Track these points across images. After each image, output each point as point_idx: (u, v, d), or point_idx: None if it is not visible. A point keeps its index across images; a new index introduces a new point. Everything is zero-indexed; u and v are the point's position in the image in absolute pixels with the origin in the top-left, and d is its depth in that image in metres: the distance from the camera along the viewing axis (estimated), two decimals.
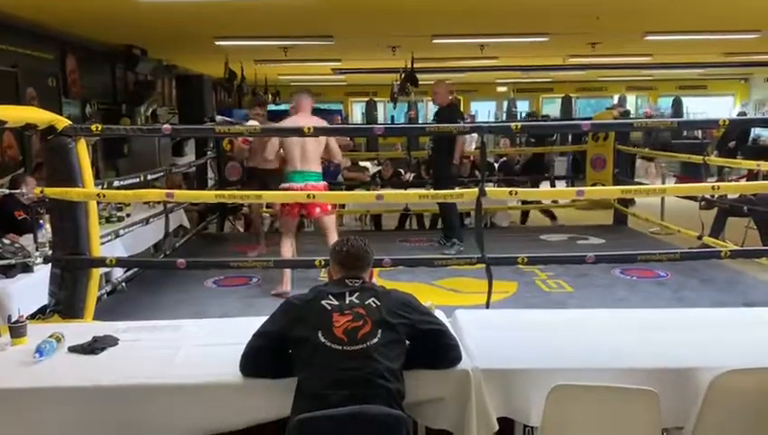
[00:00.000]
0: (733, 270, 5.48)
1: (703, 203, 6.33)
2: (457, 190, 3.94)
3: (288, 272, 4.89)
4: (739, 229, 6.59)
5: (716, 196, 6.04)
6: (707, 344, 2.64)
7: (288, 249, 4.98)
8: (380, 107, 18.62)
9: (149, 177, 5.77)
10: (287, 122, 5.00)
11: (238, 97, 13.31)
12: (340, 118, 14.44)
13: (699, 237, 5.84)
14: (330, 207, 5.04)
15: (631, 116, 12.71)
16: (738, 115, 15.32)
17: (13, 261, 3.75)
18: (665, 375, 2.37)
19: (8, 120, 3.21)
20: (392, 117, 17.72)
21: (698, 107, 18.55)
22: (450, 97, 6.50)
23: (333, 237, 4.83)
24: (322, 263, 3.63)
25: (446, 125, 4.56)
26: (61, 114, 3.75)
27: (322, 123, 5.00)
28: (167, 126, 4.43)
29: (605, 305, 4.32)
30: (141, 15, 6.94)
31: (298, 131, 3.98)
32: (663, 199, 7.68)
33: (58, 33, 7.78)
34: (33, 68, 7.37)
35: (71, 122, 3.54)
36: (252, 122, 5.67)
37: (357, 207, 8.24)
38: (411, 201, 7.46)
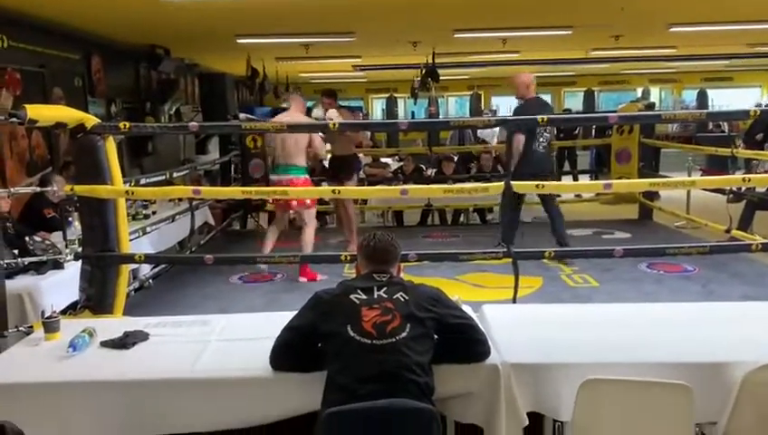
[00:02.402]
0: (762, 264, 5.39)
1: (731, 196, 6.23)
2: (483, 184, 3.92)
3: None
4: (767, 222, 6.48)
5: (744, 188, 5.95)
6: (740, 339, 2.61)
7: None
8: (401, 103, 18.61)
9: (175, 174, 5.83)
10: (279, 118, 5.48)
11: (260, 95, 13.37)
12: (361, 114, 14.46)
13: (728, 231, 5.75)
14: (308, 202, 5.34)
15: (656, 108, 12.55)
16: (766, 106, 15.03)
17: (44, 258, 3.82)
18: (697, 370, 2.34)
19: (39, 119, 3.26)
20: (413, 113, 17.70)
21: (724, 99, 18.25)
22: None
23: (309, 232, 5.30)
24: (348, 258, 3.64)
25: (470, 118, 4.52)
26: (87, 113, 3.80)
27: (306, 119, 5.50)
28: (193, 123, 4.47)
29: (632, 300, 4.29)
30: (164, 15, 6.99)
31: (325, 127, 3.98)
32: (689, 193, 7.58)
33: (83, 33, 7.87)
34: (60, 68, 7.47)
35: (99, 121, 3.59)
36: (332, 112, 5.78)
37: (379, 203, 8.25)
38: (435, 196, 7.43)
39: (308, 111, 6.55)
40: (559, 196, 7.64)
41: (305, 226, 5.40)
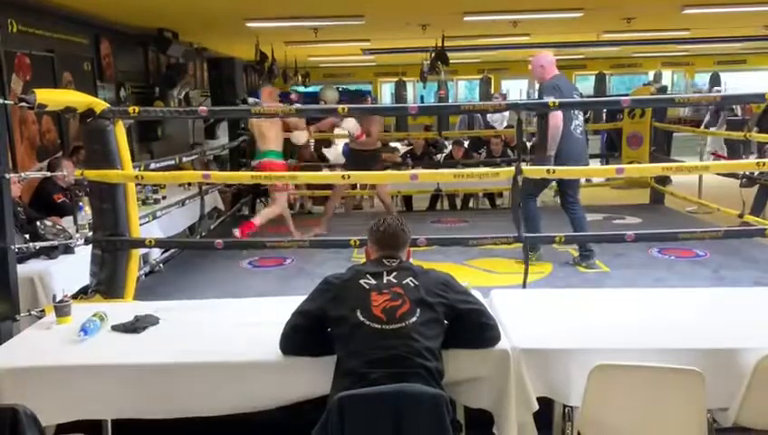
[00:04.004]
0: None
1: (744, 181, 6.16)
2: (493, 169, 3.89)
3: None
4: None
5: (757, 173, 5.89)
6: (752, 325, 2.59)
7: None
8: (410, 87, 18.49)
9: (184, 159, 5.83)
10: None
11: (269, 79, 13.34)
12: (370, 99, 14.43)
13: (740, 216, 5.70)
14: (279, 184, 5.70)
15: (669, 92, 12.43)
16: None
17: (55, 242, 3.83)
18: (709, 356, 2.33)
19: (49, 103, 3.25)
20: (422, 97, 17.59)
21: (737, 82, 18.03)
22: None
23: (271, 209, 5.74)
24: (357, 243, 3.63)
25: (480, 103, 4.47)
26: (96, 98, 3.80)
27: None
28: (203, 108, 4.45)
29: (643, 285, 4.27)
30: None
31: (332, 112, 3.96)
32: (701, 177, 7.51)
33: (91, 17, 7.85)
34: (69, 53, 7.47)
35: (108, 105, 3.58)
36: (349, 121, 5.94)
37: (388, 187, 8.21)
38: (445, 181, 7.40)
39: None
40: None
41: (271, 203, 5.78)
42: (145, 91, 9.69)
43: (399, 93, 18.11)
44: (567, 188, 4.92)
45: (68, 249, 3.93)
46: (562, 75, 5.02)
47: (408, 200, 8.74)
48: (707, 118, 12.05)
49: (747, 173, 6.04)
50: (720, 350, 2.36)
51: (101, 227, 3.62)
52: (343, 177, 4.06)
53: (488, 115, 10.99)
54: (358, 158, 6.31)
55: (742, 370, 2.25)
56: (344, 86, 17.12)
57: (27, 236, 3.86)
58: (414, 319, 2.17)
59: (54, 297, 2.87)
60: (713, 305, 2.87)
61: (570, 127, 4.75)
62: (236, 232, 5.36)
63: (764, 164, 3.76)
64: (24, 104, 3.11)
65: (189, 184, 6.18)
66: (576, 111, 4.84)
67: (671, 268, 5.00)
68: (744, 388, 2.22)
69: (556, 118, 4.58)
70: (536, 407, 2.34)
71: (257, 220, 5.55)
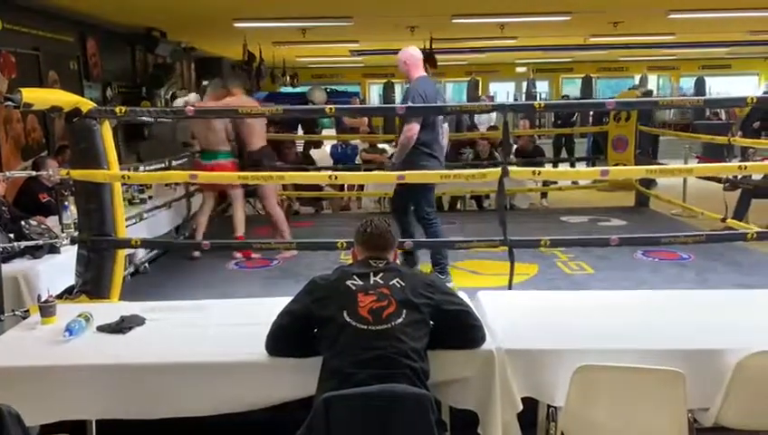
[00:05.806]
0: (757, 253, 5.40)
1: (727, 184, 6.23)
2: (480, 171, 3.92)
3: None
4: (764, 211, 6.48)
5: (740, 176, 5.96)
6: (733, 326, 2.62)
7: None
8: (398, 88, 18.53)
9: (173, 162, 5.83)
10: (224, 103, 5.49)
11: (257, 79, 13.32)
12: (358, 99, 14.45)
13: (723, 219, 5.76)
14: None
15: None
16: (764, 94, 15.01)
17: (40, 242, 3.80)
18: (690, 356, 2.36)
19: (34, 102, 3.23)
20: None
21: (722, 87, 18.24)
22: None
23: (239, 212, 5.62)
24: (344, 244, 3.64)
25: (466, 104, 4.47)
26: (82, 97, 3.78)
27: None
28: (190, 108, 4.44)
29: (627, 287, 4.31)
30: None
31: (320, 111, 3.96)
32: (685, 181, 7.59)
33: (78, 15, 7.81)
34: (55, 51, 7.42)
35: (95, 105, 3.57)
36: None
37: (375, 188, 8.23)
38: (432, 181, 7.39)
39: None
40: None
41: (234, 207, 5.69)
42: (132, 90, 9.65)
43: (388, 95, 18.15)
44: (422, 201, 4.67)
45: (53, 249, 3.90)
46: (427, 78, 4.75)
47: None
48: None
49: (730, 177, 6.10)
50: (701, 351, 2.39)
51: (87, 227, 3.60)
52: (330, 177, 4.05)
53: (475, 117, 11.04)
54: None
55: (722, 370, 2.28)
56: (332, 87, 17.12)
57: (12, 235, 3.84)
58: (400, 320, 2.18)
59: (39, 297, 2.86)
60: (695, 307, 2.90)
61: (438, 134, 4.59)
62: (238, 255, 5.55)
63: (746, 168, 3.81)
64: (9, 103, 3.09)
65: (177, 184, 6.16)
66: (442, 119, 4.65)
67: (655, 271, 5.05)
68: (725, 388, 2.25)
69: (412, 129, 4.37)
70: (521, 407, 2.36)
71: (239, 231, 5.55)
